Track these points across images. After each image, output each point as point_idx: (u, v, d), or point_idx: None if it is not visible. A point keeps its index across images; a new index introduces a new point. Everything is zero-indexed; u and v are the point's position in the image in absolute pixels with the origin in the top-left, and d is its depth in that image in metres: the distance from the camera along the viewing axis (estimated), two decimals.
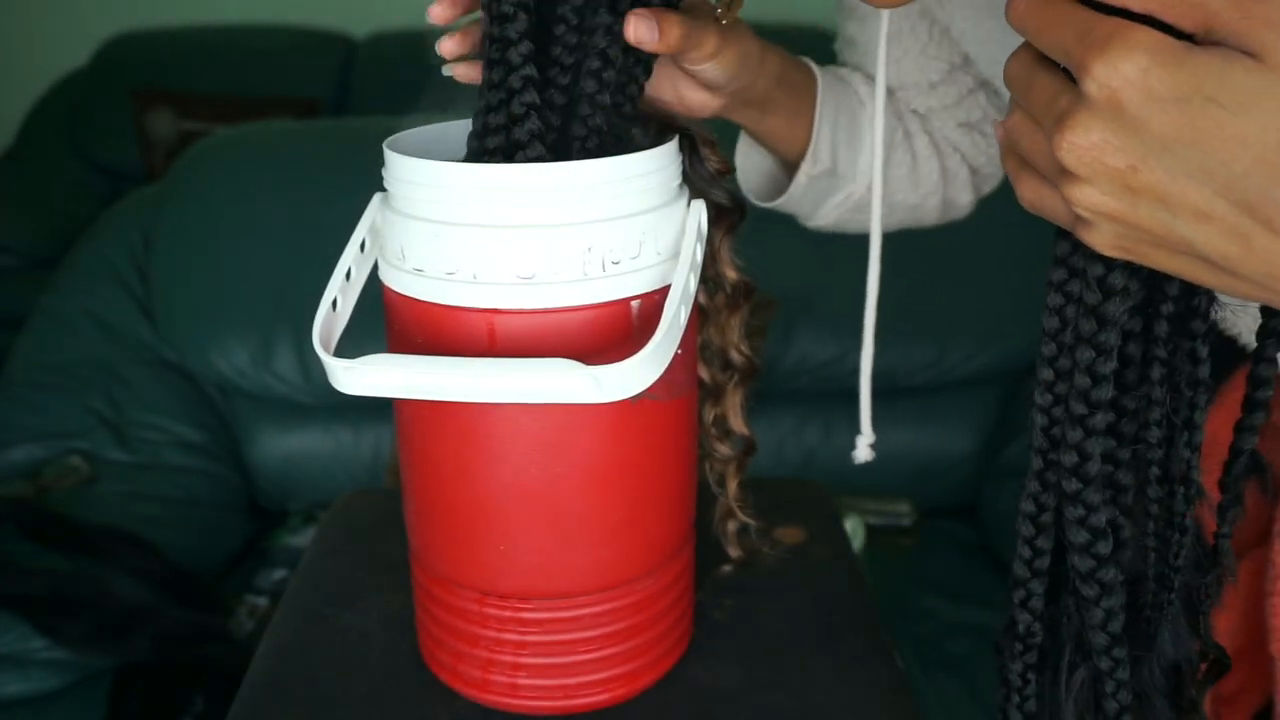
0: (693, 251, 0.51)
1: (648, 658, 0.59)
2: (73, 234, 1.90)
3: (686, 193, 0.54)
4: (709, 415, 0.64)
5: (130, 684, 1.28)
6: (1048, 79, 0.37)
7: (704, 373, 0.63)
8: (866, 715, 0.58)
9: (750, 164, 0.74)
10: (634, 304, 0.50)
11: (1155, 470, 0.44)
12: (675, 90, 0.60)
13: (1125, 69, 0.34)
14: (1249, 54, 0.33)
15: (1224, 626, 0.58)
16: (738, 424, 0.64)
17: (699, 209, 0.53)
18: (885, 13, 0.64)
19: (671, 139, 0.54)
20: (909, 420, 1.65)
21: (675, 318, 0.47)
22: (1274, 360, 0.45)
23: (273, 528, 1.64)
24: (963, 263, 1.60)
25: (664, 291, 0.50)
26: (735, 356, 0.63)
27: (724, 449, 0.65)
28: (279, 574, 1.52)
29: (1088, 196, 0.36)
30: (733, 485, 0.66)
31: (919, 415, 1.65)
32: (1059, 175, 0.37)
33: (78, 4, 2.82)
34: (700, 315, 0.62)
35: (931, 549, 1.60)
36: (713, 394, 0.64)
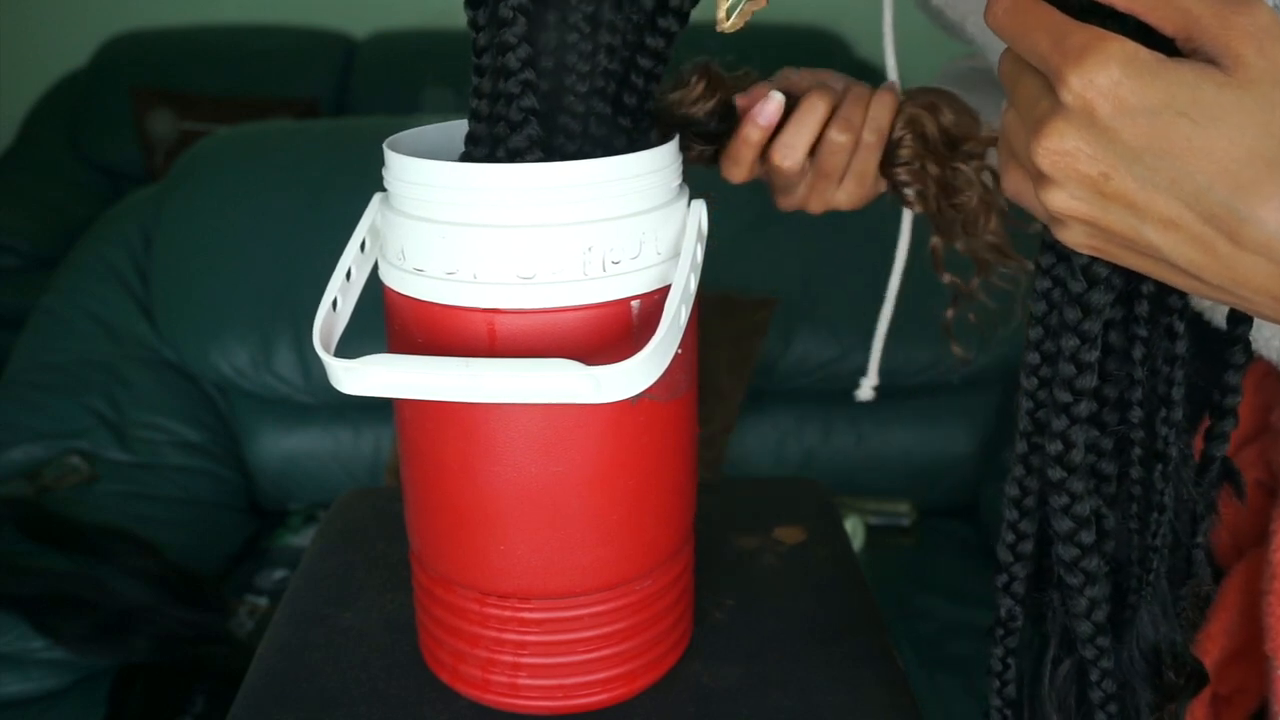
0: (693, 251, 0.51)
1: (648, 658, 0.59)
2: (73, 234, 1.90)
3: (687, 192, 0.54)
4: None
5: (130, 684, 1.28)
6: (1030, 81, 0.38)
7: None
8: (866, 715, 0.58)
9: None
10: (634, 304, 0.50)
11: (1138, 450, 0.45)
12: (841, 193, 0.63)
13: (1099, 81, 0.35)
14: (1221, 65, 0.35)
15: (1221, 626, 0.58)
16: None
17: (699, 209, 0.53)
18: (888, 1, 0.63)
19: (672, 138, 0.54)
20: (909, 420, 1.65)
21: (675, 318, 0.47)
22: (1240, 367, 0.47)
23: (273, 528, 1.64)
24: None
25: (664, 291, 0.50)
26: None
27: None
28: (279, 574, 1.52)
29: (1060, 200, 0.38)
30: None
31: (919, 415, 1.65)
32: (1036, 176, 0.38)
33: (78, 4, 2.82)
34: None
35: (931, 549, 1.60)
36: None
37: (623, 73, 0.51)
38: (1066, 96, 0.36)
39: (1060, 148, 0.36)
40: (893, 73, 0.64)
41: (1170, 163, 0.35)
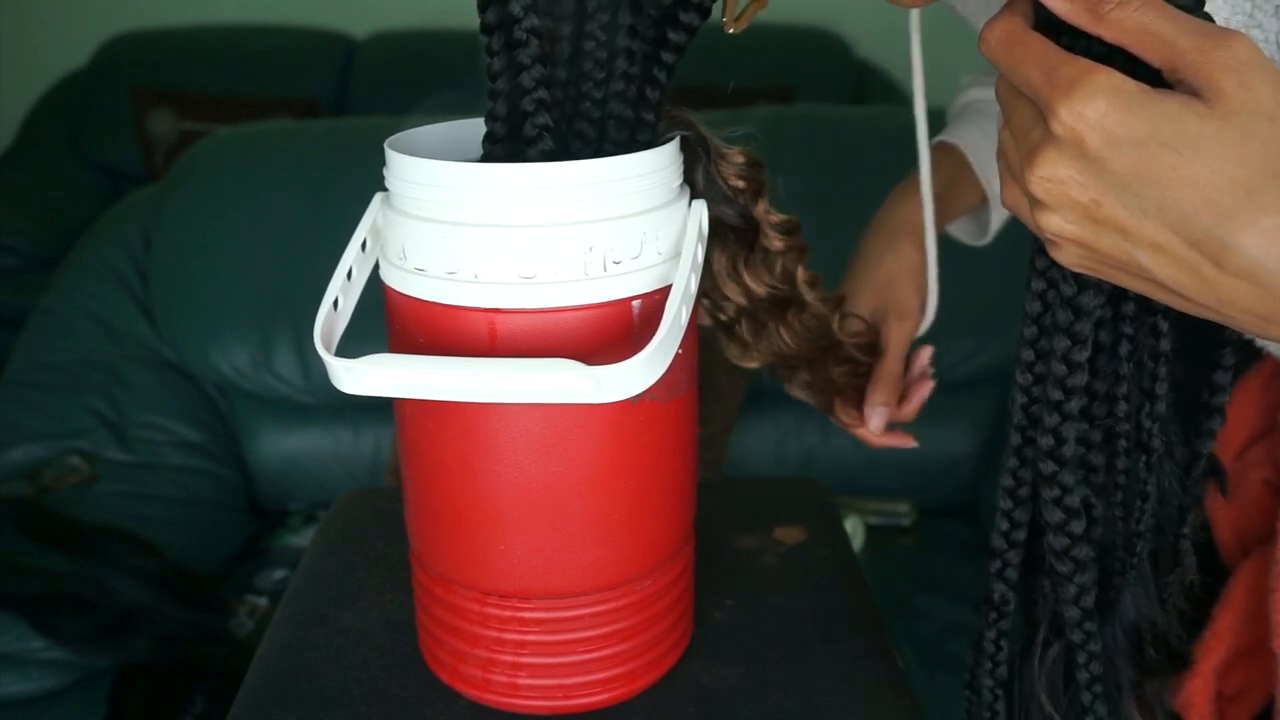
0: (694, 252, 0.51)
1: (648, 658, 0.59)
2: (73, 234, 1.90)
3: (687, 193, 0.54)
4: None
5: (130, 684, 1.28)
6: (1024, 109, 0.40)
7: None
8: (866, 715, 0.58)
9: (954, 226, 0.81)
10: (635, 304, 0.50)
11: (1124, 442, 0.47)
12: None
13: (1087, 113, 0.37)
14: (1203, 97, 0.36)
15: (1227, 624, 0.58)
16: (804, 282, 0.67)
17: (700, 209, 0.53)
18: (915, 12, 0.64)
19: (673, 139, 0.54)
20: (909, 420, 1.65)
21: (676, 318, 0.47)
22: (1229, 369, 0.48)
23: (273, 528, 1.64)
24: (962, 263, 1.59)
25: (665, 292, 0.50)
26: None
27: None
28: (279, 574, 1.52)
29: (1054, 224, 0.39)
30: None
31: (919, 415, 1.65)
32: (1031, 200, 0.40)
33: (78, 4, 2.82)
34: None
35: (931, 549, 1.60)
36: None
37: (644, 72, 0.51)
38: (1057, 128, 0.37)
39: (1053, 175, 0.38)
40: (919, 95, 0.66)
41: (1157, 191, 0.37)
